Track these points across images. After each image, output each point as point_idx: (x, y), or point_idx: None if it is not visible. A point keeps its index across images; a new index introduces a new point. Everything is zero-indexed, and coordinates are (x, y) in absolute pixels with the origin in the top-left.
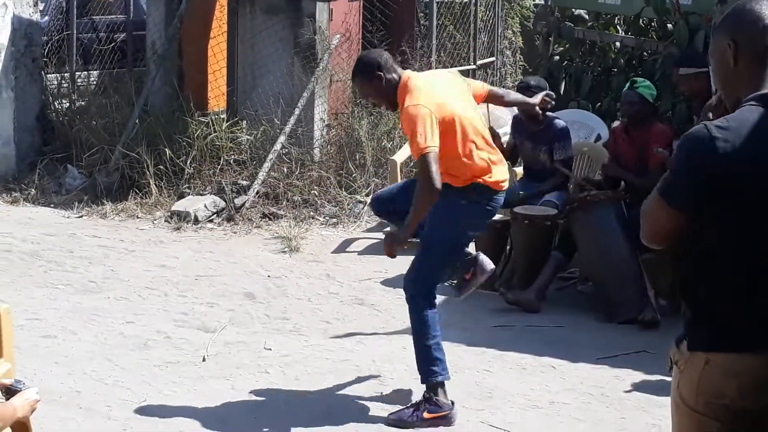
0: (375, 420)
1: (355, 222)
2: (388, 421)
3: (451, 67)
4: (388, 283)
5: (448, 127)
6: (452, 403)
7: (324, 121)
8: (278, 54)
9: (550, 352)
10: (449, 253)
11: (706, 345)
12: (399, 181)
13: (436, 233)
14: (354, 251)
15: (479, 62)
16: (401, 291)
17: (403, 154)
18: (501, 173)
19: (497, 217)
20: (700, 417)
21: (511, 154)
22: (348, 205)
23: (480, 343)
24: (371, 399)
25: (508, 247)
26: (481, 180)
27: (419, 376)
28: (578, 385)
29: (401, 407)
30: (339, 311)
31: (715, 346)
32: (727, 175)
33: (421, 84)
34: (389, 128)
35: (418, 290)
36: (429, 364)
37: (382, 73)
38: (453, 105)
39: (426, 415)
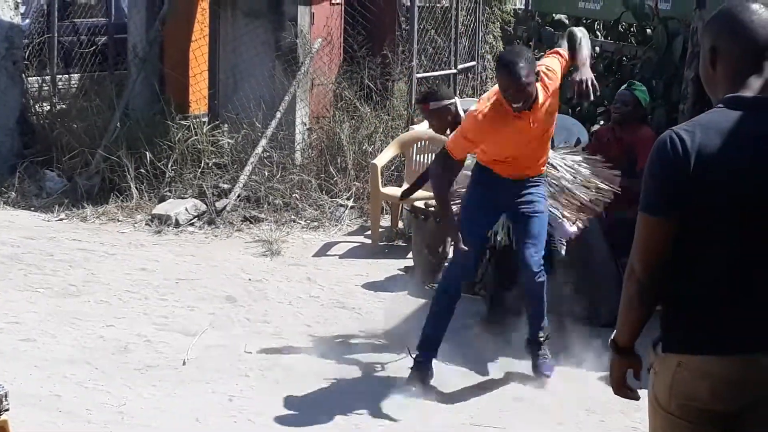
0: (358, 421)
1: (336, 225)
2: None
3: (432, 71)
4: (368, 286)
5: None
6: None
7: (305, 125)
8: (260, 57)
9: (529, 356)
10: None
11: (678, 347)
12: (379, 185)
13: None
14: (335, 255)
15: (460, 66)
16: (382, 294)
17: (384, 158)
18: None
19: None
20: (674, 418)
21: None
22: (329, 208)
23: (461, 346)
24: (354, 401)
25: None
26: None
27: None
28: (558, 388)
29: (543, 360)
30: (320, 315)
31: (688, 348)
32: (693, 176)
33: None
34: (370, 132)
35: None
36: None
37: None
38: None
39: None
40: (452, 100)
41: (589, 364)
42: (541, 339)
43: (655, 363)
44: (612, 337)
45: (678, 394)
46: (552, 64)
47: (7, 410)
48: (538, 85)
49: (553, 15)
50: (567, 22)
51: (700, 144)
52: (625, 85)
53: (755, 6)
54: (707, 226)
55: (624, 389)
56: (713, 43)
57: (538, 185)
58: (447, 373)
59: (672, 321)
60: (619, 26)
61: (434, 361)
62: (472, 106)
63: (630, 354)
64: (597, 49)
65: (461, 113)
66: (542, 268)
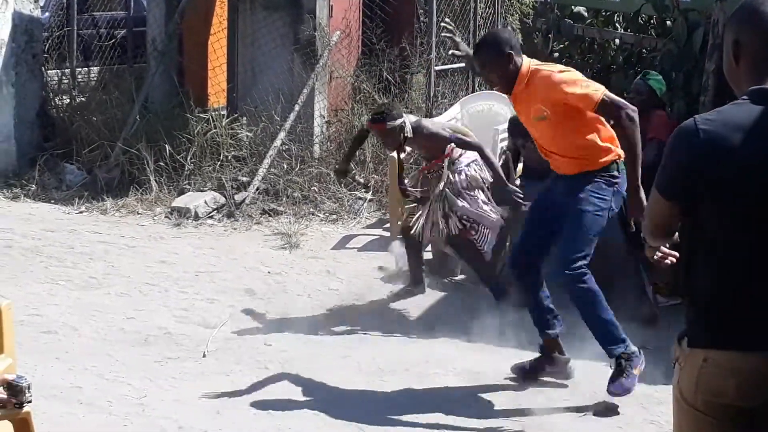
0: (376, 417)
1: (354, 218)
2: (612, 397)
3: (451, 63)
4: (387, 279)
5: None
6: (639, 350)
7: (324, 118)
8: (278, 50)
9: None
10: (597, 234)
11: (705, 342)
12: (396, 178)
13: (591, 211)
14: (354, 247)
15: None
16: (400, 287)
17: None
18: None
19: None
20: (699, 414)
21: (515, 158)
22: (348, 201)
23: (480, 338)
24: (372, 396)
25: (508, 244)
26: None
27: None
28: (578, 381)
29: (610, 381)
30: (339, 307)
31: (714, 343)
32: (711, 166)
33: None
34: None
35: (576, 273)
36: (611, 337)
37: (512, 53)
38: None
39: (635, 371)
40: (403, 118)
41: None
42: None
43: (681, 357)
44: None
45: (704, 389)
46: (576, 91)
47: (29, 401)
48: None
49: (573, 7)
50: (586, 14)
51: (719, 135)
52: (640, 74)
53: None
54: (725, 219)
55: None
56: (736, 37)
57: (581, 184)
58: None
59: (698, 316)
60: (639, 18)
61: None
62: (423, 121)
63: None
64: (617, 41)
65: (410, 130)
66: (573, 272)
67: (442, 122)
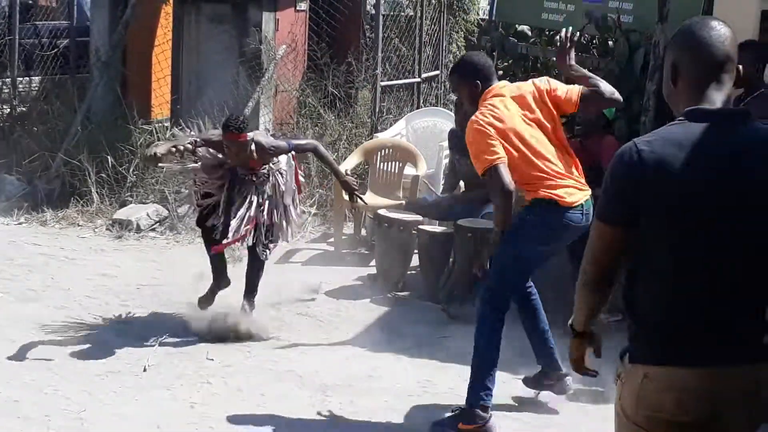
0: (319, 428)
1: (299, 232)
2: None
3: (396, 80)
4: (331, 293)
5: (510, 143)
6: (490, 416)
7: (269, 131)
8: (223, 63)
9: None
10: (516, 267)
11: (645, 358)
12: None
13: (505, 247)
14: (298, 261)
15: (424, 75)
16: (344, 302)
17: (347, 165)
18: (570, 191)
19: (440, 229)
20: (640, 429)
21: (451, 170)
22: None
23: (423, 354)
24: (314, 409)
25: (451, 260)
26: (546, 195)
27: (466, 392)
28: (515, 396)
29: (443, 417)
30: (282, 322)
31: (654, 359)
32: (653, 185)
33: (496, 101)
34: (334, 139)
35: (488, 299)
36: (479, 389)
37: (479, 82)
38: (516, 124)
39: (462, 425)
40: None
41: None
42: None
43: (623, 373)
44: (569, 321)
45: (645, 405)
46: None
47: None
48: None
49: (517, 26)
50: (530, 33)
51: (659, 156)
52: None
53: (714, 22)
54: (666, 237)
55: (583, 368)
56: (674, 60)
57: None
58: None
59: (637, 332)
60: (582, 38)
61: None
62: (260, 136)
63: (587, 335)
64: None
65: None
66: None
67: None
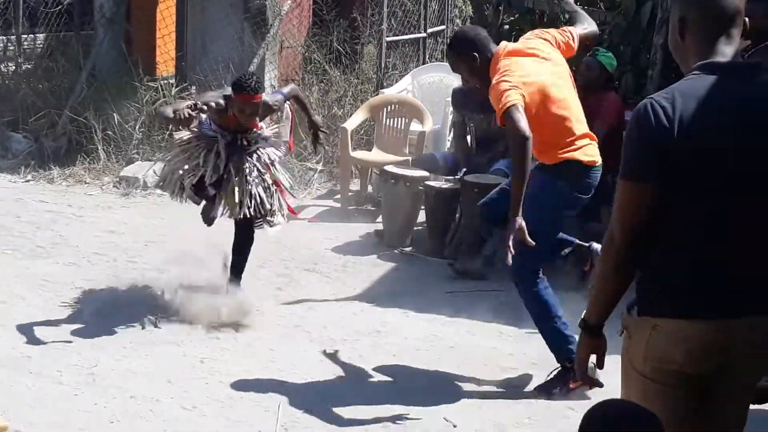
0: (330, 386)
1: (305, 189)
2: (536, 394)
3: (402, 35)
4: (338, 249)
5: (534, 103)
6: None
7: (274, 88)
8: (228, 19)
9: (497, 318)
10: (545, 235)
11: (654, 310)
12: (349, 148)
13: (534, 213)
14: (304, 218)
15: (429, 30)
16: (351, 257)
17: (353, 122)
18: (589, 151)
19: (446, 185)
20: (647, 381)
21: (463, 131)
22: (298, 172)
23: (430, 309)
24: (321, 364)
25: (457, 216)
26: (570, 156)
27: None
28: (524, 350)
29: (546, 380)
30: (289, 278)
31: (664, 311)
32: (676, 142)
33: (508, 62)
34: (340, 96)
35: (520, 276)
36: (561, 343)
37: (476, 54)
38: (541, 78)
39: (571, 384)
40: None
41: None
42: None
43: (630, 326)
44: (583, 316)
45: (653, 357)
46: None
47: None
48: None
49: None
50: None
51: (681, 110)
52: (589, 52)
53: None
54: (687, 191)
55: (588, 375)
56: (682, 14)
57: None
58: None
59: (648, 285)
60: None
61: None
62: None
63: (599, 335)
64: (566, 14)
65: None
66: (519, 279)
67: None
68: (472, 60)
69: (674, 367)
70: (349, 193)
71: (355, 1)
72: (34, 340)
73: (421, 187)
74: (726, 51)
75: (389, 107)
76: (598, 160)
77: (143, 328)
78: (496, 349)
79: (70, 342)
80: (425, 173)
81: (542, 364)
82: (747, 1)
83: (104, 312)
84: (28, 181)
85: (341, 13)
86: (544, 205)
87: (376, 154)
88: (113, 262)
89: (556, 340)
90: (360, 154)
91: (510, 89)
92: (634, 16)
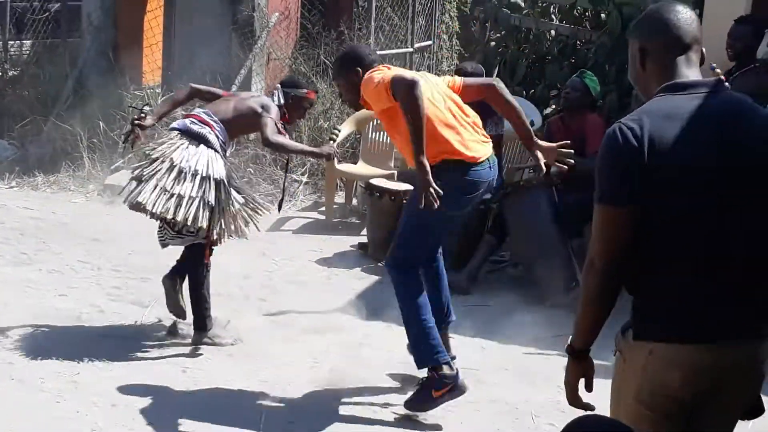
0: (312, 401)
1: (290, 201)
2: (406, 412)
3: (388, 49)
4: (322, 262)
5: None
6: (456, 371)
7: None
8: (216, 29)
9: (480, 334)
10: (424, 232)
11: (649, 335)
12: (334, 162)
13: (410, 212)
14: (289, 230)
15: (416, 45)
16: (335, 270)
17: (341, 133)
18: (475, 148)
19: None
20: (641, 407)
21: None
22: (284, 183)
23: None
24: (304, 375)
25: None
26: (449, 156)
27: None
28: (507, 366)
29: (411, 393)
30: (273, 289)
31: (659, 335)
32: (648, 163)
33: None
34: (326, 108)
35: (396, 264)
36: (428, 350)
37: (359, 69)
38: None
39: (434, 393)
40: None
41: (536, 342)
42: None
43: (624, 350)
44: (569, 341)
45: (649, 382)
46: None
47: None
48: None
49: None
50: (523, 4)
51: (650, 130)
52: (577, 72)
53: (679, 6)
54: (669, 212)
55: (579, 399)
56: (641, 44)
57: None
58: None
59: (644, 309)
60: (575, 10)
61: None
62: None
63: (586, 359)
64: (552, 32)
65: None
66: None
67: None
68: (354, 75)
69: (668, 392)
70: (334, 206)
71: (342, 15)
72: (16, 347)
73: (405, 201)
74: (687, 73)
75: (375, 121)
76: (483, 156)
77: (137, 333)
78: (479, 363)
79: (53, 349)
80: (410, 187)
81: (525, 378)
82: (735, 24)
83: (87, 319)
84: (12, 187)
85: (329, 26)
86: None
87: (361, 167)
88: (97, 270)
89: (422, 344)
90: (345, 167)
91: (412, 76)
92: (620, 35)
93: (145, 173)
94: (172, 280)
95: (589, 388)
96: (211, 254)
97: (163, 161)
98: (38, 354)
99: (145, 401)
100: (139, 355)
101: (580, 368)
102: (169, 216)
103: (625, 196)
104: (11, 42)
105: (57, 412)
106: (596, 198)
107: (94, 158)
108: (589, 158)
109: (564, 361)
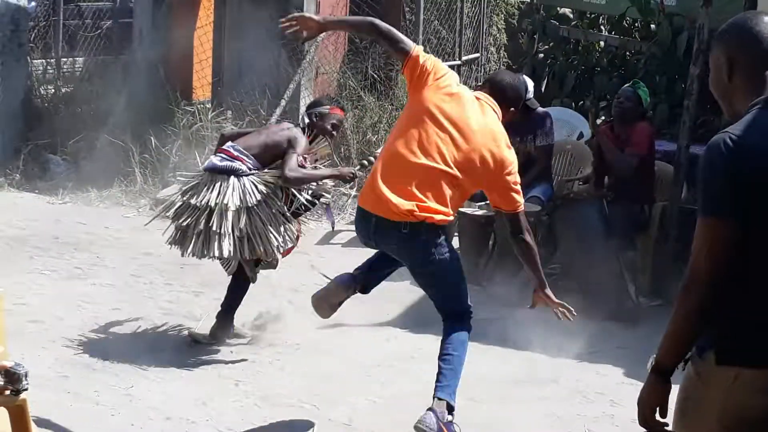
0: (362, 412)
1: (339, 214)
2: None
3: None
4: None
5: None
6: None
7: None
8: (265, 45)
9: (529, 346)
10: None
11: (737, 360)
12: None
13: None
14: (338, 243)
15: (464, 58)
16: (385, 283)
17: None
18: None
19: (480, 212)
20: (723, 429)
21: None
22: (332, 197)
23: None
24: (356, 388)
25: (491, 242)
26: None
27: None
28: (557, 379)
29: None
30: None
31: (748, 361)
32: (751, 170)
33: None
34: (374, 121)
35: (467, 319)
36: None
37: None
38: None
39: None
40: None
41: (587, 356)
42: None
43: (703, 372)
44: (654, 358)
45: (732, 407)
46: None
47: (26, 389)
48: None
49: (558, 8)
50: (572, 16)
51: (750, 140)
52: (630, 83)
53: (767, 17)
54: (764, 222)
55: (655, 420)
56: (730, 55)
57: None
58: None
59: (732, 331)
60: (624, 21)
61: None
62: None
63: (668, 381)
64: (602, 43)
65: None
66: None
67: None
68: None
69: (752, 415)
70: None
71: None
72: (71, 361)
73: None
74: None
75: None
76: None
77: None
78: (529, 376)
79: (108, 362)
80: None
81: (577, 391)
82: None
83: (141, 333)
84: (66, 202)
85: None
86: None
87: None
88: (150, 284)
89: (456, 380)
90: None
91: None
92: (670, 46)
93: (188, 222)
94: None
95: (664, 413)
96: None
97: (205, 210)
98: (92, 367)
99: (199, 415)
100: (192, 368)
101: (662, 389)
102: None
103: (729, 207)
104: (64, 59)
105: (112, 425)
106: (699, 210)
107: (146, 173)
108: (625, 158)
109: (616, 375)
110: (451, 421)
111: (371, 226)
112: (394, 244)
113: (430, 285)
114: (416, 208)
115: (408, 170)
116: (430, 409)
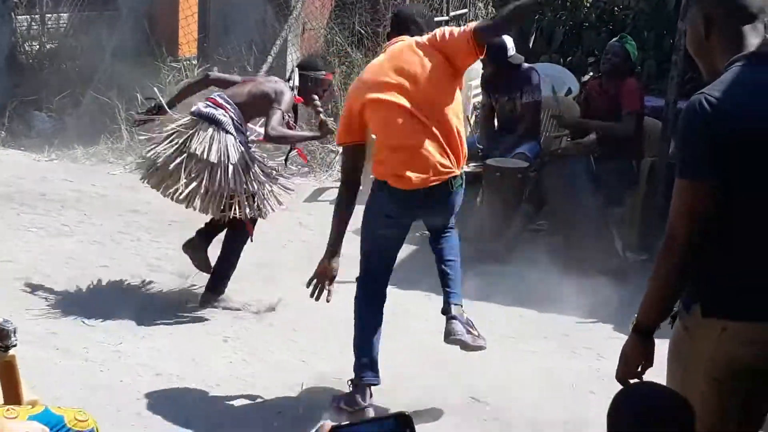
0: (346, 365)
1: (327, 171)
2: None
3: None
4: (358, 231)
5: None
6: (366, 408)
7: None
8: (251, 1)
9: (518, 302)
10: (365, 247)
11: (723, 311)
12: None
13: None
14: (326, 200)
15: (452, 13)
16: None
17: None
18: (399, 165)
19: (468, 168)
20: (712, 380)
21: (490, 114)
22: (320, 154)
23: None
24: (341, 343)
25: (478, 199)
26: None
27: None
28: (545, 334)
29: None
30: (311, 259)
31: (735, 314)
32: (733, 134)
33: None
34: None
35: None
36: (357, 358)
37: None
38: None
39: (342, 405)
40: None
41: (573, 311)
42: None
43: (691, 326)
44: (636, 318)
45: (721, 357)
46: None
47: (15, 345)
48: None
49: None
50: None
51: (734, 101)
52: (617, 37)
53: None
54: (751, 187)
55: (635, 375)
56: (706, 12)
57: None
58: None
59: (715, 285)
60: None
61: None
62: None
63: (651, 339)
64: None
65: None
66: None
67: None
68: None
69: (741, 366)
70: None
71: None
72: (60, 318)
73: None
74: (755, 43)
75: None
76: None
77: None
78: (517, 332)
79: (96, 319)
80: None
81: (565, 346)
82: None
83: (129, 290)
84: (52, 159)
85: None
86: (366, 212)
87: None
88: (137, 241)
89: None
90: None
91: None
92: (658, 1)
93: (160, 157)
94: (201, 239)
95: (649, 364)
96: (254, 227)
97: (182, 151)
98: (81, 324)
99: (188, 371)
100: (181, 325)
101: (644, 347)
102: (198, 209)
103: (707, 169)
104: (48, 15)
105: (101, 381)
106: (677, 172)
107: (132, 130)
108: (624, 121)
109: (604, 329)
110: (469, 319)
111: (417, 199)
112: (437, 205)
113: (445, 218)
114: (451, 164)
115: (413, 145)
116: (452, 317)
